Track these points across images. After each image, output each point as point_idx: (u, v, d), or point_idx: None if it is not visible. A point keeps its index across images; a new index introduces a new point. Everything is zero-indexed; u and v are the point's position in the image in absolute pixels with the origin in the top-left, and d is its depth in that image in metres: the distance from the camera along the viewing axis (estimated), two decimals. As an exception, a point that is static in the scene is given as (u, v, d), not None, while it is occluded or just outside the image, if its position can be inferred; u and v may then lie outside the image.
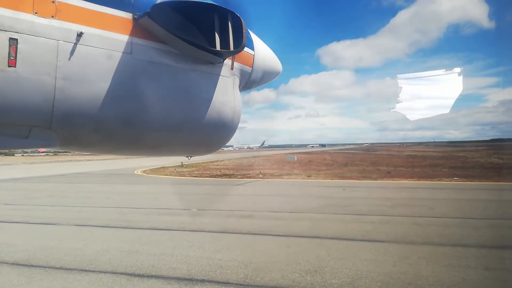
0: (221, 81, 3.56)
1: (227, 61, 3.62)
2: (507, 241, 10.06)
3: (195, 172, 37.12)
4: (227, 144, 4.70)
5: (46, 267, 8.28)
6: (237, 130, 3.92)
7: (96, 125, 2.85)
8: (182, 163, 43.45)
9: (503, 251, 9.12)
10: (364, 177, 29.30)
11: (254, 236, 11.01)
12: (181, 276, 7.63)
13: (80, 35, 2.59)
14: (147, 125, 3.13)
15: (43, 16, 2.45)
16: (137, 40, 2.90)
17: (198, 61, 3.30)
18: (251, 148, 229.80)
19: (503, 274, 7.55)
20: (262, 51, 4.28)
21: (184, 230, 11.68)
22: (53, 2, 2.49)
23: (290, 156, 65.22)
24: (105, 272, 7.89)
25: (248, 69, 4.06)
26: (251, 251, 9.31)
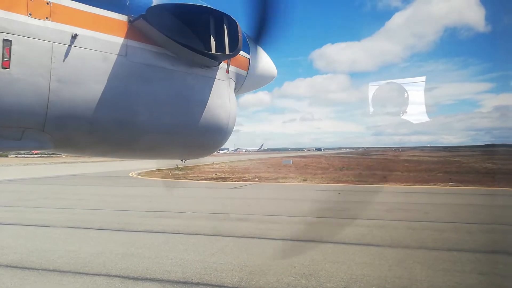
0: (217, 85, 3.56)
1: (223, 65, 3.62)
2: (501, 246, 10.09)
3: (190, 175, 37.03)
4: (222, 147, 4.70)
5: (39, 269, 8.21)
6: (232, 133, 3.92)
7: (90, 127, 2.84)
8: (177, 165, 43.31)
9: (497, 256, 9.15)
10: (360, 181, 29.34)
11: (249, 239, 10.98)
12: (176, 279, 7.58)
13: (74, 37, 2.58)
14: (141, 128, 3.11)
15: (37, 17, 2.44)
16: (132, 43, 2.89)
17: (193, 64, 3.30)
18: (249, 151, 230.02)
19: (497, 279, 7.58)
20: (257, 55, 4.29)
21: (179, 233, 11.63)
22: (47, 3, 2.48)
23: (286, 159, 65.22)
24: (99, 275, 7.83)
25: (244, 72, 4.06)
26: (246, 255, 9.28)
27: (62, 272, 8.03)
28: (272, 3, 3.94)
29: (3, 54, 2.31)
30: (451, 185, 25.79)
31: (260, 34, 4.15)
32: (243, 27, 3.75)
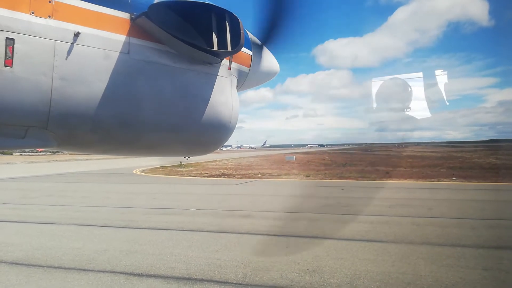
0: (219, 81, 3.55)
1: (225, 61, 3.61)
2: (505, 241, 10.06)
3: (193, 172, 37.10)
4: (225, 144, 4.70)
5: (44, 266, 8.27)
6: (235, 130, 3.92)
7: (93, 125, 2.84)
8: (180, 162, 43.43)
9: (501, 252, 9.13)
10: (363, 177, 29.31)
11: (253, 235, 11.00)
12: (180, 275, 7.62)
13: (77, 35, 2.58)
14: (144, 125, 3.12)
15: (40, 16, 2.44)
16: (134, 40, 2.89)
17: (195, 61, 3.29)
18: (252, 148, 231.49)
19: (501, 274, 7.57)
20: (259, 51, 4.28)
21: (183, 230, 11.67)
22: (49, 1, 2.48)
23: (289, 156, 65.29)
24: (104, 272, 7.88)
25: (246, 69, 4.05)
26: (250, 251, 9.30)
27: (67, 269, 8.09)
28: (282, 8, 3.98)
29: (6, 52, 2.31)
30: (455, 181, 25.72)
31: (269, 37, 4.20)
32: (250, 27, 3.77)
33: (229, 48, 3.29)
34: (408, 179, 27.43)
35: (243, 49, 3.74)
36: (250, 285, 7.11)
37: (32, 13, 2.41)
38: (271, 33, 4.17)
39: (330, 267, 7.96)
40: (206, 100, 3.45)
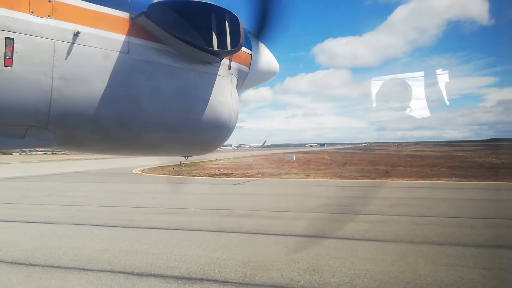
0: (219, 81, 3.56)
1: (225, 61, 3.61)
2: (505, 241, 10.07)
3: (193, 171, 37.09)
4: (225, 144, 4.70)
5: (44, 266, 8.28)
6: (235, 130, 3.92)
7: (93, 125, 2.84)
8: (180, 162, 43.40)
9: (501, 251, 9.14)
10: (363, 177, 29.31)
11: (252, 235, 11.01)
12: (180, 275, 7.63)
13: (76, 34, 2.58)
14: (144, 125, 3.12)
15: (40, 15, 2.45)
16: (134, 40, 2.89)
17: (195, 60, 3.29)
18: (252, 147, 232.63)
19: (501, 274, 7.58)
20: (259, 51, 4.27)
21: (183, 229, 11.67)
22: (49, 1, 2.49)
23: (289, 155, 65.33)
24: (104, 271, 7.89)
25: (246, 68, 4.05)
26: (250, 250, 9.31)
27: (67, 269, 8.09)
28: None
29: (5, 52, 2.31)
30: (454, 180, 25.73)
31: (261, 29, 4.12)
32: (244, 22, 3.73)
33: (229, 48, 3.29)
34: (407, 178, 27.42)
35: (243, 48, 3.73)
36: (250, 284, 7.12)
37: (32, 12, 2.41)
38: (264, 25, 4.10)
39: (330, 266, 7.97)
40: (206, 99, 3.45)
